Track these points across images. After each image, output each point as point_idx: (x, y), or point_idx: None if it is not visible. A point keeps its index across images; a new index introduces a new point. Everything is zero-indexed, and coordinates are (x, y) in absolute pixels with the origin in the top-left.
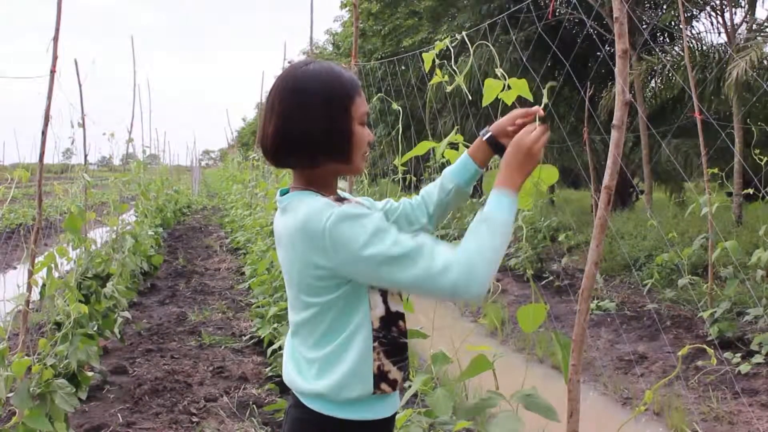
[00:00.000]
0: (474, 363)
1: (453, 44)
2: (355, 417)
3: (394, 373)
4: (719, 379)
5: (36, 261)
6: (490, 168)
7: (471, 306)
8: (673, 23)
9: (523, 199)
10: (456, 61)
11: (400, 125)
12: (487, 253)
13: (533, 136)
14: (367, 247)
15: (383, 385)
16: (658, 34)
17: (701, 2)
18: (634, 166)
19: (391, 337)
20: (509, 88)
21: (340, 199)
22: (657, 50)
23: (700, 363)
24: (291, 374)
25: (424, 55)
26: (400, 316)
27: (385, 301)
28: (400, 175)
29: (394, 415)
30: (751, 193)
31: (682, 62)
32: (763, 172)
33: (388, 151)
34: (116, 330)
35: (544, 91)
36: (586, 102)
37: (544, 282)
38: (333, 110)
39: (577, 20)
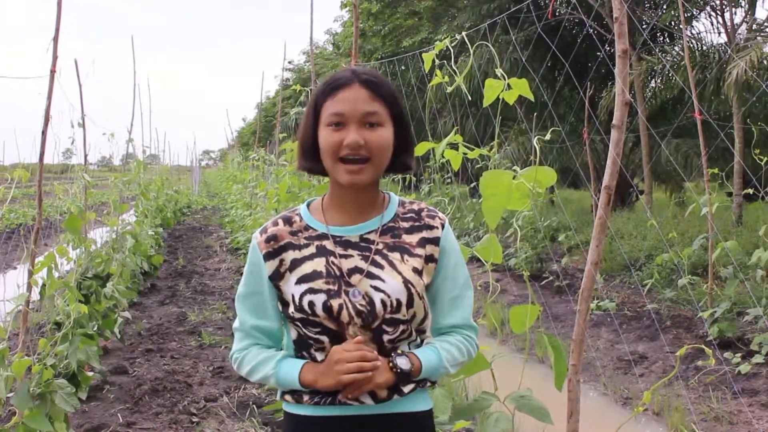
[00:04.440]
0: (471, 362)
1: (453, 44)
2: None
3: (303, 392)
4: (719, 379)
5: (36, 261)
6: (489, 168)
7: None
8: (673, 23)
9: (520, 200)
10: (456, 62)
11: None
12: (252, 375)
13: (337, 354)
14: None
15: (287, 396)
16: (658, 34)
17: (701, 2)
18: (634, 166)
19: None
20: (510, 87)
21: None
22: (657, 50)
23: (699, 363)
24: None
25: (424, 55)
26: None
27: (296, 328)
28: (399, 175)
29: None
30: (751, 193)
31: (682, 62)
32: (763, 172)
33: None
34: (116, 330)
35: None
36: (586, 102)
37: (544, 282)
38: (307, 115)
39: (577, 20)
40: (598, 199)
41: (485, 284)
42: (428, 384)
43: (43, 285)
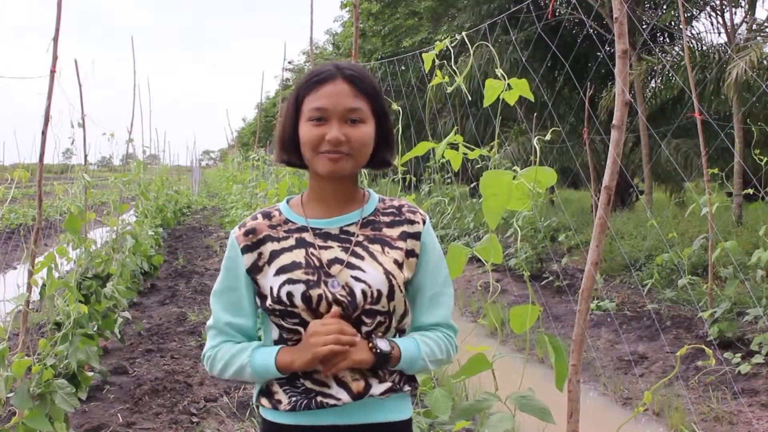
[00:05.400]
0: (471, 362)
1: (453, 44)
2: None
3: (279, 395)
4: (719, 379)
5: (36, 261)
6: (489, 168)
7: (471, 306)
8: (673, 23)
9: (520, 200)
10: (456, 62)
11: (399, 125)
12: (225, 371)
13: (314, 326)
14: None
15: (263, 400)
16: (658, 34)
17: (701, 2)
18: (634, 166)
19: None
20: (510, 88)
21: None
22: (657, 50)
23: (700, 363)
24: None
25: (424, 55)
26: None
27: (276, 323)
28: (399, 176)
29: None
30: (751, 193)
31: (682, 62)
32: (763, 172)
33: None
34: (116, 330)
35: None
36: (586, 102)
37: (544, 282)
38: (288, 107)
39: (577, 20)
40: (598, 199)
41: (485, 284)
42: (407, 389)
43: (43, 285)
